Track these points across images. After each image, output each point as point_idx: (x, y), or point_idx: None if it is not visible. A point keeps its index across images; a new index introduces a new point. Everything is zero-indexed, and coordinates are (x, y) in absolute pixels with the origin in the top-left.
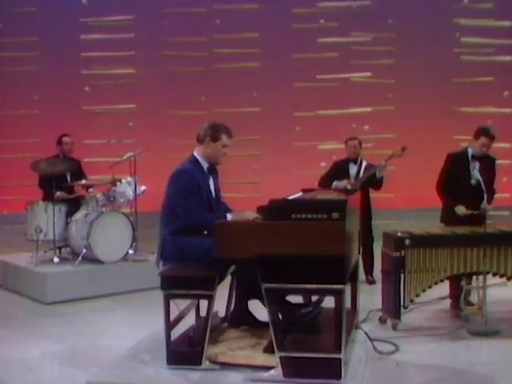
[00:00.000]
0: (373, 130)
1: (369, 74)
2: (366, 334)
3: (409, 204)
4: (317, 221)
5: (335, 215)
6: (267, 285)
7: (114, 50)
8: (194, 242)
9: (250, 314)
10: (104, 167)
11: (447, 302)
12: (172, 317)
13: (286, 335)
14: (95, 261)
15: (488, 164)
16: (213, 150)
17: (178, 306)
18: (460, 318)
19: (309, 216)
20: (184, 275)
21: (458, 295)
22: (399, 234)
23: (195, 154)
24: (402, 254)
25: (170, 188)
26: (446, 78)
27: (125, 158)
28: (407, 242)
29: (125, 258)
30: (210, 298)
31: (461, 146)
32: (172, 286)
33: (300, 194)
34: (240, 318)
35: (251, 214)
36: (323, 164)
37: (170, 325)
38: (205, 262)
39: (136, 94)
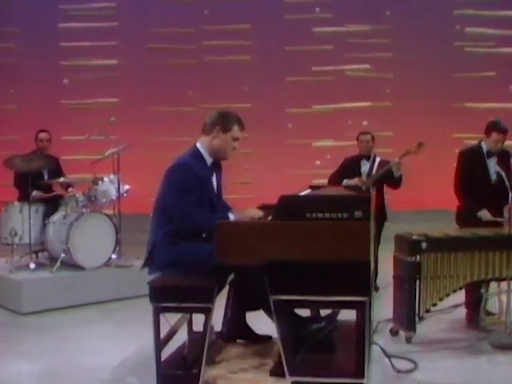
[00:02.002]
0: (369, 127)
1: (367, 66)
2: (382, 349)
3: (406, 206)
4: (336, 221)
5: (358, 214)
6: (277, 296)
7: (96, 39)
8: (191, 248)
9: (248, 327)
10: (85, 165)
11: (462, 311)
12: (162, 333)
13: (296, 355)
14: (75, 266)
15: (504, 159)
16: (222, 141)
17: (167, 319)
18: (478, 328)
19: (326, 215)
20: (177, 285)
21: (475, 303)
22: (415, 237)
23: (198, 145)
24: (418, 258)
25: (165, 184)
26: (446, 72)
27: (107, 154)
28: (424, 245)
29: (107, 263)
30: (208, 312)
31: (464, 143)
32: (163, 297)
33: (308, 191)
34: (237, 332)
35: (256, 213)
36: (318, 162)
37: (160, 343)
38: (202, 270)
39: (119, 88)
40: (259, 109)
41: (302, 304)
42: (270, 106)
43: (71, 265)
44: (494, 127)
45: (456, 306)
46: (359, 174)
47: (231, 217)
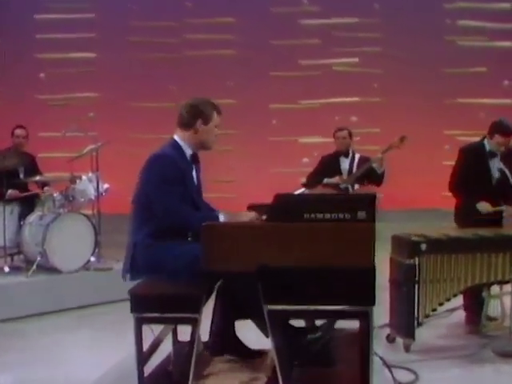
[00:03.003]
0: (356, 123)
1: (355, 60)
2: (382, 359)
3: (395, 205)
4: (338, 222)
5: (361, 214)
6: (271, 306)
7: (74, 31)
8: (176, 251)
9: (238, 340)
10: (62, 163)
11: (459, 314)
12: (145, 344)
13: (292, 369)
14: (52, 270)
15: (509, 157)
16: (206, 133)
17: (151, 328)
18: (479, 334)
19: (326, 216)
20: (161, 294)
21: (474, 306)
22: (414, 238)
23: (177, 138)
24: (417, 261)
25: (146, 176)
26: (436, 67)
27: (85, 152)
28: (423, 246)
29: (86, 266)
30: (195, 323)
31: (457, 141)
32: (145, 307)
33: (302, 190)
34: (225, 345)
35: (247, 215)
36: (306, 160)
37: (142, 357)
38: (187, 276)
39: (98, 82)
40: (244, 104)
41: (300, 314)
42: (255, 102)
43: (48, 268)
44: (497, 129)
45: (453, 310)
46: (339, 172)
47: (221, 217)
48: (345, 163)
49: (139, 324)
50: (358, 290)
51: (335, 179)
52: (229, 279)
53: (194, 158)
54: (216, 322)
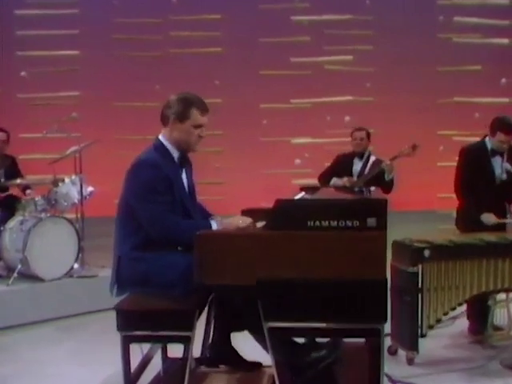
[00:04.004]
0: (349, 123)
1: (346, 58)
2: (387, 376)
3: (389, 207)
4: (345, 230)
5: (371, 222)
6: (272, 324)
7: (56, 28)
8: (165, 263)
9: (234, 350)
10: (44, 165)
11: (461, 323)
12: (133, 362)
13: None
14: (33, 278)
15: (510, 157)
16: (181, 132)
17: (141, 348)
18: (485, 345)
19: (333, 223)
20: (149, 310)
21: (478, 315)
22: (416, 244)
23: (161, 138)
24: (420, 268)
25: (130, 185)
26: (430, 65)
27: (68, 153)
28: (427, 253)
29: (69, 273)
30: (188, 342)
31: (452, 141)
32: (133, 325)
33: (302, 194)
34: (221, 357)
35: (244, 220)
36: (298, 161)
37: (130, 378)
38: (178, 290)
39: (81, 81)
40: (232, 104)
41: (304, 332)
42: (244, 102)
43: (29, 276)
44: (499, 126)
45: (455, 318)
46: (350, 173)
47: (214, 225)
48: (357, 165)
49: (126, 343)
50: (368, 306)
51: (343, 181)
52: (224, 292)
53: (184, 160)
54: (211, 334)
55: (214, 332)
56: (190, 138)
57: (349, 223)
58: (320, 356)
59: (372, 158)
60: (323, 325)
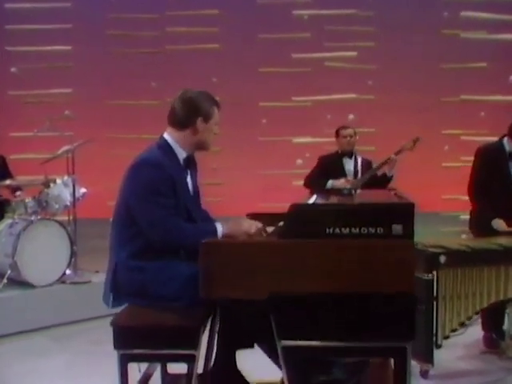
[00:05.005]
0: (350, 123)
1: (348, 54)
2: None
3: None
4: (368, 238)
5: (397, 229)
6: (287, 342)
7: (47, 22)
8: (164, 271)
9: (239, 373)
10: (35, 165)
11: (475, 331)
12: (132, 378)
13: None
14: (24, 284)
15: None
16: (206, 132)
17: (139, 367)
18: (502, 356)
19: (354, 231)
20: (149, 325)
21: (494, 326)
22: (431, 250)
23: (167, 138)
24: (435, 275)
25: (128, 186)
26: (434, 62)
27: (60, 153)
28: (442, 259)
29: (61, 279)
30: (192, 361)
31: (457, 141)
32: (131, 342)
33: (314, 197)
34: (225, 377)
35: (252, 224)
36: (300, 161)
37: None
38: (181, 303)
39: (74, 78)
40: (230, 102)
41: (322, 352)
42: (242, 100)
43: (19, 282)
44: None
45: (467, 326)
46: (344, 174)
47: (220, 228)
48: (349, 165)
49: (124, 362)
50: (393, 323)
51: (340, 182)
52: (232, 307)
53: (189, 161)
54: (214, 351)
55: (217, 349)
56: (211, 137)
57: (372, 230)
58: (341, 379)
59: (359, 158)
60: (344, 344)
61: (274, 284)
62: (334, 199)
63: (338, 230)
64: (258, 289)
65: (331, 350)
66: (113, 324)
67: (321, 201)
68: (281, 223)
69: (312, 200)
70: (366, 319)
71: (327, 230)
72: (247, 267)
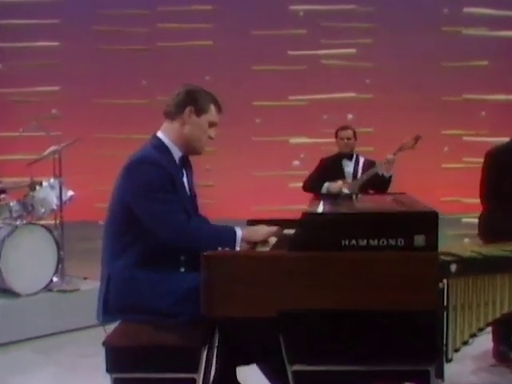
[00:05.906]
0: (348, 122)
1: (345, 52)
2: None
3: None
4: (388, 251)
5: (419, 240)
6: (298, 367)
7: (34, 17)
8: (162, 284)
9: None
10: (20, 166)
11: (484, 341)
12: None
13: None
14: (8, 292)
15: None
16: (196, 127)
17: None
18: None
19: (372, 242)
20: (146, 346)
21: (506, 338)
22: (441, 257)
23: (161, 136)
24: (445, 284)
25: (127, 187)
26: (434, 61)
27: (46, 154)
28: (453, 267)
29: (48, 287)
30: None
31: (458, 141)
32: (125, 365)
33: (321, 204)
34: None
35: (269, 230)
36: (297, 163)
37: None
38: (181, 319)
39: (61, 75)
40: (223, 101)
41: (337, 376)
42: (236, 99)
43: (3, 290)
44: None
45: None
46: (343, 176)
47: (239, 232)
48: (349, 166)
49: None
50: (415, 343)
51: (337, 184)
52: (237, 326)
53: (185, 161)
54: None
55: (217, 365)
56: (203, 136)
57: (392, 242)
58: None
59: (361, 160)
60: (361, 368)
61: (284, 301)
62: (344, 207)
63: (354, 242)
64: (265, 306)
65: (347, 374)
66: (105, 344)
67: (330, 207)
68: (285, 231)
69: (320, 206)
70: (384, 340)
71: (343, 241)
72: (254, 282)
